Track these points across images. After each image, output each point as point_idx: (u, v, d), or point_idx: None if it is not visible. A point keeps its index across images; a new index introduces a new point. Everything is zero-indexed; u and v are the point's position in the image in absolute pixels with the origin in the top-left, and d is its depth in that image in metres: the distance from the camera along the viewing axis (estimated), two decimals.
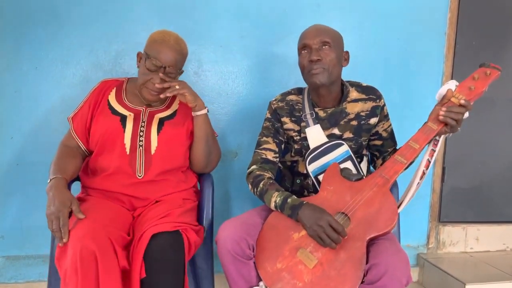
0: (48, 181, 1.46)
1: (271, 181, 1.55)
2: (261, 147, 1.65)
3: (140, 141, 1.63)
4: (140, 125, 1.64)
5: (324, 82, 1.53)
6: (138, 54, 1.66)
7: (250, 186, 1.60)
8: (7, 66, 2.00)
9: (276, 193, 1.49)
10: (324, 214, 1.38)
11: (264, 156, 1.63)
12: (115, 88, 1.72)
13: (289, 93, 1.71)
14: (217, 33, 2.15)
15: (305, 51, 1.56)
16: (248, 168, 1.64)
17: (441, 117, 1.40)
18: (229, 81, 2.20)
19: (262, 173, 1.59)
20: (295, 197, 1.47)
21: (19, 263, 2.11)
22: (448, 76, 2.41)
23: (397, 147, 1.69)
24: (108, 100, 1.68)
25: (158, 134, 1.64)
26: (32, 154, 2.04)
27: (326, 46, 1.53)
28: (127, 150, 1.61)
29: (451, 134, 1.47)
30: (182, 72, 1.71)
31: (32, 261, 2.12)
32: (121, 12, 2.05)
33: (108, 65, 2.07)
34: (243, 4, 2.15)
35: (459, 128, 1.42)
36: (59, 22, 2.01)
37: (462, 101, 1.38)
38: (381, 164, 1.67)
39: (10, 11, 1.97)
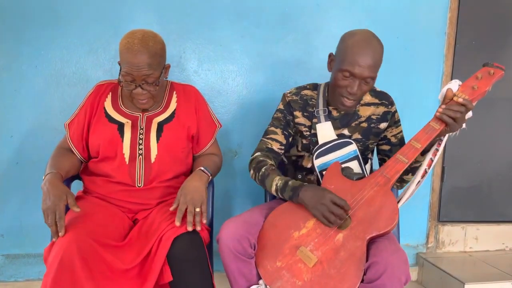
0: (43, 177, 1.45)
1: (273, 167, 1.56)
2: (268, 136, 1.65)
3: (139, 149, 1.59)
4: (138, 133, 1.60)
5: (350, 109, 1.56)
6: (119, 63, 1.55)
7: (251, 171, 1.60)
8: (7, 65, 1.99)
9: (278, 177, 1.51)
10: (325, 192, 1.40)
11: (269, 146, 1.63)
12: (110, 92, 1.66)
13: (304, 87, 1.70)
14: (217, 32, 2.14)
15: (348, 75, 1.47)
16: (252, 155, 1.63)
17: (437, 114, 1.39)
18: (229, 80, 2.20)
19: (265, 159, 1.59)
20: (296, 181, 1.49)
21: (18, 261, 2.12)
22: (448, 76, 2.41)
23: None
24: (104, 107, 1.63)
25: (157, 142, 1.61)
26: (32, 153, 2.04)
27: (370, 80, 1.48)
28: (126, 160, 1.58)
29: (453, 134, 1.46)
30: (168, 67, 1.63)
31: (31, 260, 2.12)
32: (120, 11, 2.05)
33: (107, 64, 2.07)
34: (243, 3, 2.15)
35: (464, 125, 1.41)
36: (59, 21, 2.00)
37: (460, 100, 1.37)
38: None
39: (9, 10, 1.96)
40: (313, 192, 1.42)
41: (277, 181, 1.50)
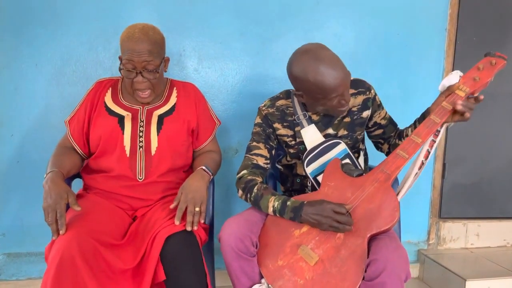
0: (45, 176, 1.45)
1: (265, 185, 1.52)
2: (252, 153, 1.61)
3: (140, 142, 1.60)
4: (139, 125, 1.61)
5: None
6: (119, 58, 1.59)
7: (241, 191, 1.55)
8: (7, 63, 1.99)
9: (273, 198, 1.46)
10: (324, 203, 1.38)
11: (255, 162, 1.58)
12: (110, 88, 1.68)
13: (278, 98, 1.66)
14: (217, 30, 2.14)
15: (337, 96, 1.45)
16: (238, 173, 1.59)
17: (459, 107, 1.38)
18: (229, 77, 2.19)
19: (253, 177, 1.54)
20: (293, 199, 1.46)
21: (20, 260, 2.12)
22: (448, 72, 2.38)
23: (398, 127, 1.71)
24: (104, 101, 1.64)
25: (158, 134, 1.62)
26: (32, 152, 2.04)
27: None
28: (127, 152, 1.59)
29: (450, 125, 1.48)
30: (167, 59, 1.66)
31: (33, 258, 2.12)
32: (120, 9, 2.04)
33: (107, 62, 2.07)
34: (243, 0, 2.15)
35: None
36: (59, 19, 2.00)
37: (482, 97, 1.38)
38: (388, 148, 1.69)
39: (9, 9, 1.96)
40: (313, 208, 1.39)
41: (273, 202, 1.45)
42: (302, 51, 1.46)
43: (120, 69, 1.56)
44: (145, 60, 1.51)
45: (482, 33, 2.44)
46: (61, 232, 1.33)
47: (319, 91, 1.42)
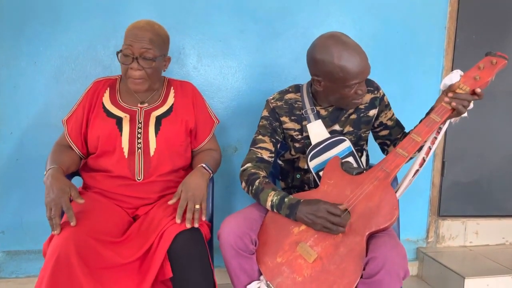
0: (45, 173, 1.45)
1: (267, 180, 1.53)
2: (257, 146, 1.62)
3: (138, 143, 1.60)
4: (137, 127, 1.61)
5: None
6: (117, 53, 1.59)
7: (244, 183, 1.57)
8: (6, 61, 1.99)
9: (273, 192, 1.47)
10: (320, 204, 1.38)
11: (259, 155, 1.60)
12: (108, 88, 1.68)
13: (287, 91, 1.67)
14: (216, 27, 2.14)
15: (356, 83, 1.48)
16: (242, 166, 1.61)
17: (446, 100, 1.38)
18: (228, 75, 2.19)
19: (257, 171, 1.56)
20: (292, 197, 1.46)
21: (19, 258, 2.12)
22: (448, 70, 2.40)
23: (406, 130, 1.71)
24: (102, 102, 1.64)
25: (156, 135, 1.61)
26: (32, 149, 2.04)
27: None
28: (125, 153, 1.58)
29: (454, 122, 1.47)
30: (169, 59, 1.66)
31: (32, 256, 2.13)
32: (120, 7, 2.04)
33: (106, 60, 2.06)
34: None
35: (465, 114, 1.41)
36: (58, 17, 2.00)
37: (478, 90, 1.37)
38: None
39: (9, 6, 1.96)
40: (308, 207, 1.39)
41: (272, 197, 1.46)
42: (327, 36, 1.50)
43: (117, 53, 1.56)
44: (144, 47, 1.52)
45: (481, 31, 2.44)
46: (72, 223, 1.34)
47: (341, 74, 1.45)
